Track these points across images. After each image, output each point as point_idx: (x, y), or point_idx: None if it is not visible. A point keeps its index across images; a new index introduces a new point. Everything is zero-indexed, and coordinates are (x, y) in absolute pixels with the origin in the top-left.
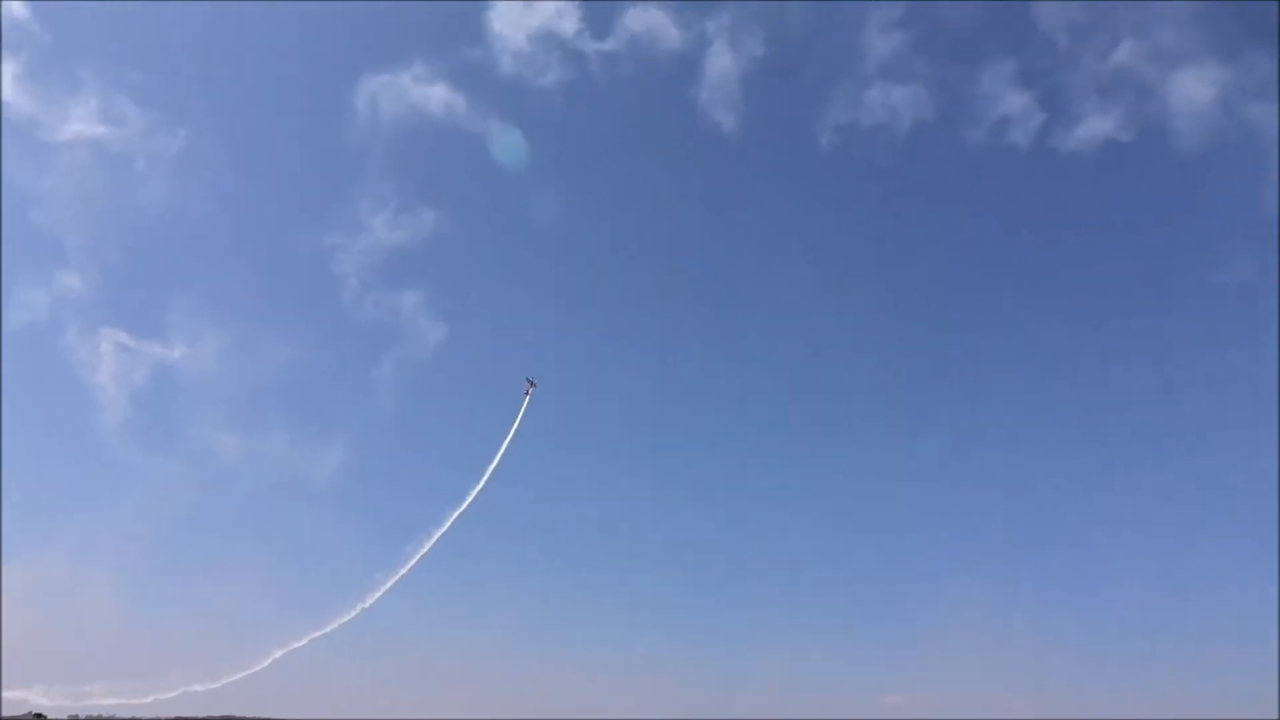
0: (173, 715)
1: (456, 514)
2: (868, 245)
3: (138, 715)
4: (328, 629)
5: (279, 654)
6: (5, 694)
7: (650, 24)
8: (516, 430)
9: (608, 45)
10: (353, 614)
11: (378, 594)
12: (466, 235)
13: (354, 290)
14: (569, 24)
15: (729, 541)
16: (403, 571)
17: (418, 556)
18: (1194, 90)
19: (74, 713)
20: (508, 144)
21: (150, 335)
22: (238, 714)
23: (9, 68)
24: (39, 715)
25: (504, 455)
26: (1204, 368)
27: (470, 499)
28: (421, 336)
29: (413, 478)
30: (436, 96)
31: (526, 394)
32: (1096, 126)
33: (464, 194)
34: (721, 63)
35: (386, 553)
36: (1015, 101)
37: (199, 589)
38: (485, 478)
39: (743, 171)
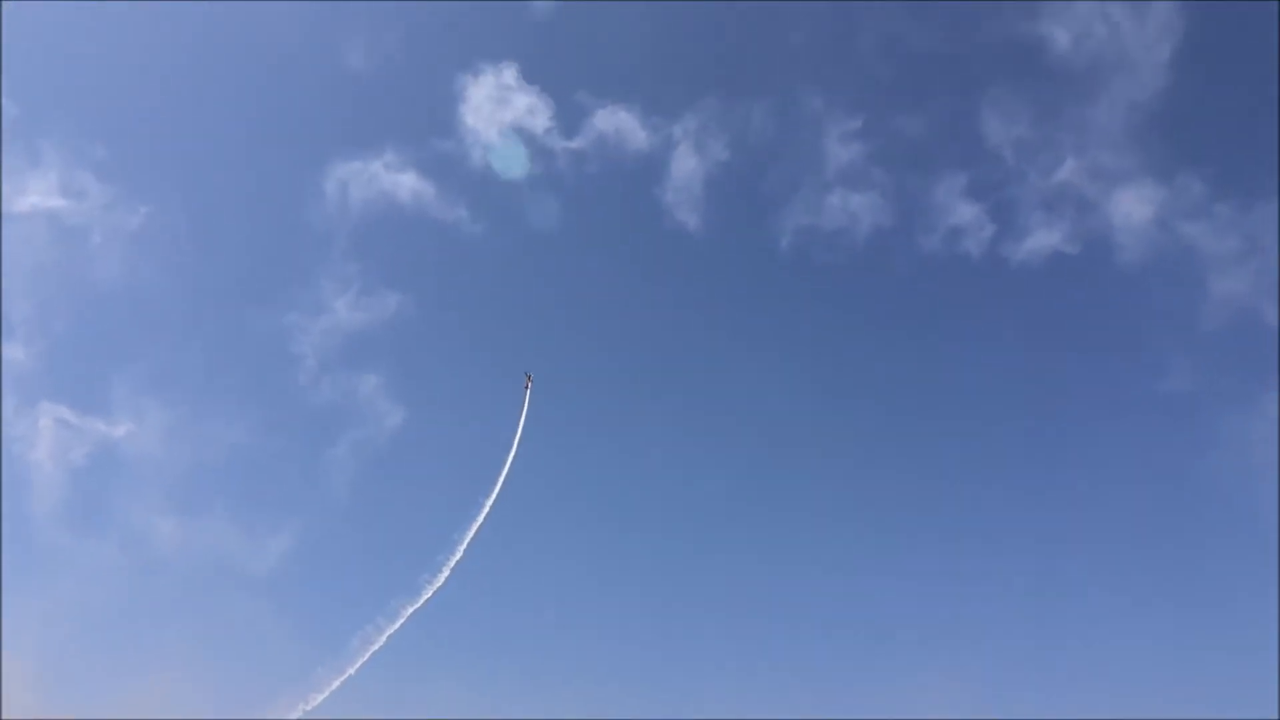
0: None
1: (412, 610)
2: (827, 344)
3: None
4: None
5: None
6: None
7: (618, 125)
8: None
9: (576, 144)
10: (294, 716)
11: (322, 695)
12: (430, 319)
13: (311, 371)
14: (540, 121)
15: (700, 649)
16: (350, 670)
17: (368, 654)
18: (1133, 208)
19: None
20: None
21: (93, 411)
22: None
23: None
24: None
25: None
26: (1149, 472)
27: (429, 594)
28: (379, 420)
29: (364, 568)
30: (406, 184)
31: (526, 388)
32: (1044, 239)
33: (429, 279)
34: (687, 165)
35: (333, 649)
36: (967, 212)
37: (128, 683)
38: (466, 540)
39: (706, 269)
